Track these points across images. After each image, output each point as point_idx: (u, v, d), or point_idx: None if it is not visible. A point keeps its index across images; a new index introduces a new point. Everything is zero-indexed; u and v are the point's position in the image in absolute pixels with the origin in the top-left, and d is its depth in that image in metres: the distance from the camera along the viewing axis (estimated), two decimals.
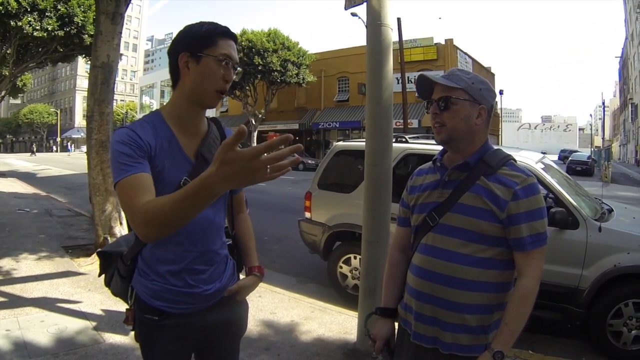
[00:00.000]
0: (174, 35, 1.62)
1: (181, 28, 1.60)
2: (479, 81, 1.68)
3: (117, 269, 1.69)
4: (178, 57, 1.54)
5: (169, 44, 1.66)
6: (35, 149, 61.40)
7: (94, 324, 4.02)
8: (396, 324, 1.88)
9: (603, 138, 66.95)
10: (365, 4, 3.58)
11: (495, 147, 1.75)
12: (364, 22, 3.64)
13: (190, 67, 1.53)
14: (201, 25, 1.57)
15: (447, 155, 1.76)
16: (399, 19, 22.79)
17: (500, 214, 1.57)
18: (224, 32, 1.56)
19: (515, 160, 1.69)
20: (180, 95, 1.58)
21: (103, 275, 1.79)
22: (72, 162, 35.98)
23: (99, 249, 1.78)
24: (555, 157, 53.34)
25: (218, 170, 1.06)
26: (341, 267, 5.44)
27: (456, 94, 1.63)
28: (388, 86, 3.58)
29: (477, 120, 1.66)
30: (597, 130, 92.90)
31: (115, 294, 1.75)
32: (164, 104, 1.67)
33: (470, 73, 1.70)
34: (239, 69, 1.59)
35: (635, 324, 3.96)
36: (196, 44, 1.52)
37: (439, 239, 1.67)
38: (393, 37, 3.67)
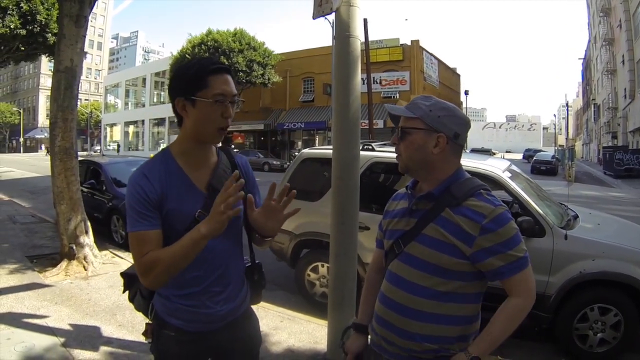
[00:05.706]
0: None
1: (175, 69, 1.65)
2: (439, 108, 1.62)
3: (140, 290, 1.79)
4: (175, 101, 1.59)
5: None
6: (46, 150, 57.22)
7: (63, 340, 3.92)
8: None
9: (567, 137, 68.63)
10: (333, 14, 3.43)
11: (469, 176, 1.68)
12: (331, 24, 3.51)
13: (188, 110, 1.59)
14: (190, 66, 1.59)
15: (418, 182, 1.75)
16: (365, 20, 22.76)
17: (466, 250, 1.54)
18: (215, 69, 1.58)
19: (486, 190, 1.63)
20: (184, 135, 1.65)
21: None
22: (36, 163, 34.95)
23: (121, 272, 1.89)
24: (520, 156, 54.54)
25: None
26: (309, 275, 5.43)
27: (411, 124, 1.63)
28: (355, 99, 3.49)
29: (435, 150, 1.61)
30: (560, 129, 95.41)
31: (137, 309, 1.85)
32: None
33: (433, 99, 1.66)
34: (238, 100, 1.63)
35: (601, 327, 4.08)
36: (188, 88, 1.56)
37: (403, 268, 1.66)
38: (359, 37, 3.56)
